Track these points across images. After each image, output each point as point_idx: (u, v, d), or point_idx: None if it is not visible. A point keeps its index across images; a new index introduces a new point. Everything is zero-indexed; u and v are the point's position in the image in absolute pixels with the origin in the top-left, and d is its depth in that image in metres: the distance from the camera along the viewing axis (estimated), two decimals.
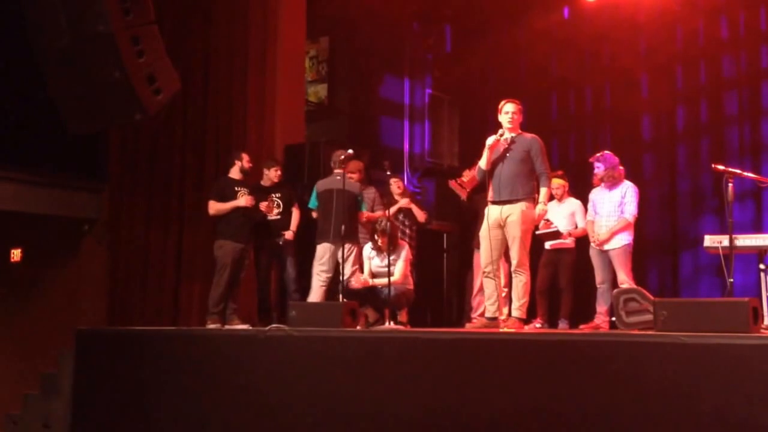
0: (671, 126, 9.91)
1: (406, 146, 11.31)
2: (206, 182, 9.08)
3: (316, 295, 7.64)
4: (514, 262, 6.65)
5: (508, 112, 6.71)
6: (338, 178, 7.69)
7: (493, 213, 6.68)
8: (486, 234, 6.68)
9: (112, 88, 6.86)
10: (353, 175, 8.06)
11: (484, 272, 6.76)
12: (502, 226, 6.65)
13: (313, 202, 7.96)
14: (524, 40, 10.72)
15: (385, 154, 10.16)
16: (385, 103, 11.43)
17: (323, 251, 7.70)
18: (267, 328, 6.18)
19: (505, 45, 10.82)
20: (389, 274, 7.02)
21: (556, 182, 8.09)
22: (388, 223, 7.23)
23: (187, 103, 9.11)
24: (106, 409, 6.93)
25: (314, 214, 7.97)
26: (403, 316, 7.43)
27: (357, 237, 7.89)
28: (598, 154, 7.70)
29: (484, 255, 6.74)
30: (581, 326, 7.44)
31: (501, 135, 6.72)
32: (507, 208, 6.62)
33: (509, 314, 6.72)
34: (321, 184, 7.92)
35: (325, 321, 6.05)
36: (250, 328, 7.17)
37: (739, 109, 9.53)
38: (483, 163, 6.74)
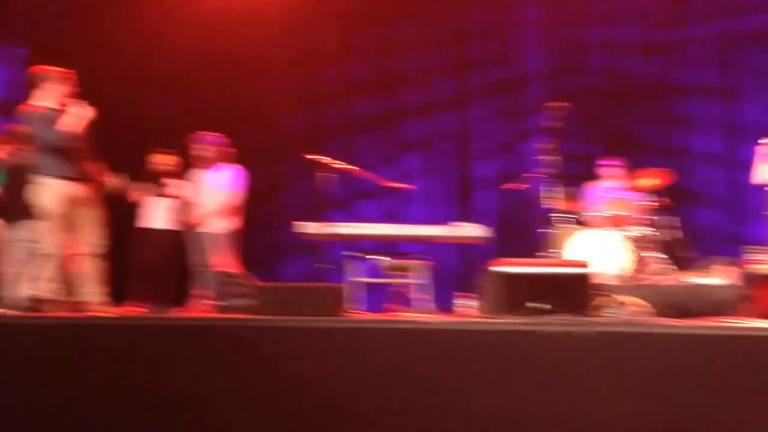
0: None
1: None
2: None
3: None
4: (95, 242, 6.34)
5: None
6: None
7: (67, 188, 6.27)
8: (60, 211, 6.26)
9: None
10: None
11: (59, 253, 6.35)
12: (75, 203, 6.31)
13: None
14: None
15: None
16: None
17: None
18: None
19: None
20: None
21: (166, 158, 7.94)
22: None
23: None
24: None
25: None
26: None
27: None
28: (199, 135, 7.67)
29: (58, 234, 6.31)
30: (178, 310, 7.39)
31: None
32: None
33: (94, 299, 6.40)
34: None
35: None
36: None
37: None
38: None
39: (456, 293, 6.88)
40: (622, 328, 4.27)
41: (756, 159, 7.50)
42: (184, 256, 7.79)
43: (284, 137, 10.19)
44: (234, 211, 7.57)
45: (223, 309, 5.69)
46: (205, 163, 7.66)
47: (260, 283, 5.26)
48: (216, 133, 7.72)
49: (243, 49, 10.27)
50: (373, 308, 7.78)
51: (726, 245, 9.15)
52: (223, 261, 7.38)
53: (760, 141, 7.49)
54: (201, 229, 7.51)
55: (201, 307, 7.34)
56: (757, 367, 3.97)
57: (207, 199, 7.57)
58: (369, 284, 7.74)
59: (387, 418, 4.30)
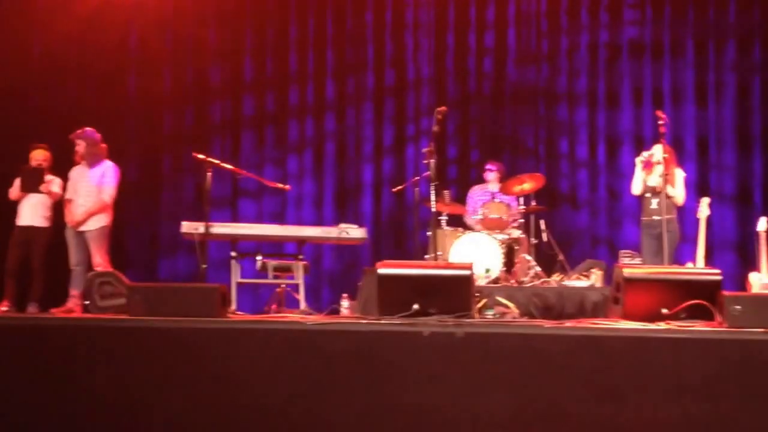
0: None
1: None
2: None
3: None
4: None
5: None
6: None
7: None
8: None
9: None
10: None
11: None
12: None
13: None
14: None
15: None
16: None
17: None
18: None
19: None
20: None
21: (43, 154, 7.69)
22: None
23: None
24: None
25: None
26: None
27: None
28: (79, 131, 7.48)
29: None
30: (52, 310, 7.15)
31: None
32: None
33: None
34: None
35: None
36: None
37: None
38: None
39: (342, 294, 6.92)
40: (492, 329, 4.37)
41: (636, 170, 7.73)
42: (59, 254, 7.56)
43: (170, 134, 10.04)
44: (109, 208, 7.40)
45: (92, 309, 5.53)
46: (82, 159, 7.46)
47: (134, 283, 5.15)
48: (93, 129, 7.52)
49: (129, 43, 10.10)
50: (256, 309, 7.74)
51: (601, 249, 9.50)
52: (98, 259, 7.20)
53: (642, 154, 7.70)
54: (77, 227, 7.31)
55: (76, 307, 7.13)
56: (622, 367, 4.11)
57: (83, 196, 7.37)
58: (253, 285, 7.71)
59: (264, 419, 4.28)
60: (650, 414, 4.05)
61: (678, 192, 7.55)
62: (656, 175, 7.44)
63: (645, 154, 7.59)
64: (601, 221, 9.74)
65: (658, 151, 7.37)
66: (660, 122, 6.78)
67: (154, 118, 10.06)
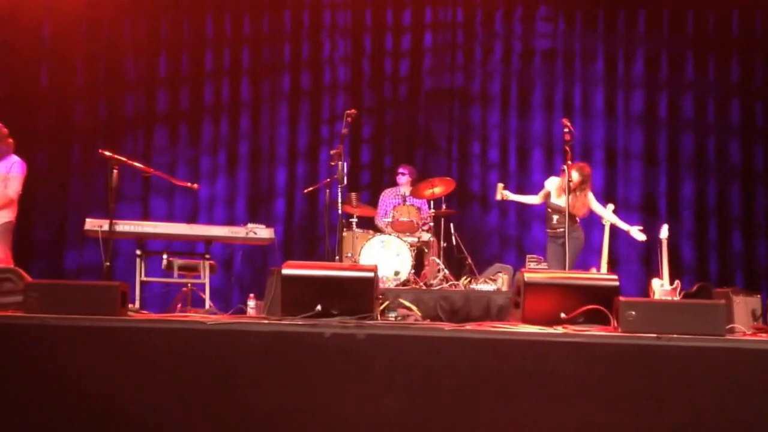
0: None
1: None
2: None
3: None
4: None
5: None
6: None
7: None
8: None
9: None
10: None
11: None
12: None
13: None
14: None
15: None
16: None
17: None
18: None
19: None
20: None
21: None
22: None
23: None
24: None
25: None
26: None
27: None
28: None
29: None
30: None
31: None
32: None
33: None
34: None
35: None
36: None
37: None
38: None
39: (249, 294, 6.89)
40: (393, 331, 4.40)
41: (519, 199, 7.94)
42: None
43: (81, 128, 9.86)
44: (13, 203, 7.22)
45: None
46: None
47: (33, 280, 5.02)
48: (0, 123, 7.33)
49: (43, 36, 9.90)
50: (163, 307, 7.65)
51: (510, 250, 9.66)
52: (1, 255, 7.00)
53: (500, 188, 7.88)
54: None
55: None
56: (519, 369, 4.19)
57: None
58: (164, 284, 7.61)
59: (168, 418, 4.23)
60: (545, 416, 4.14)
61: (599, 210, 7.75)
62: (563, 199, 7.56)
63: (505, 190, 7.80)
64: (511, 222, 9.89)
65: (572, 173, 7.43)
66: (565, 130, 6.92)
67: (67, 111, 9.87)
